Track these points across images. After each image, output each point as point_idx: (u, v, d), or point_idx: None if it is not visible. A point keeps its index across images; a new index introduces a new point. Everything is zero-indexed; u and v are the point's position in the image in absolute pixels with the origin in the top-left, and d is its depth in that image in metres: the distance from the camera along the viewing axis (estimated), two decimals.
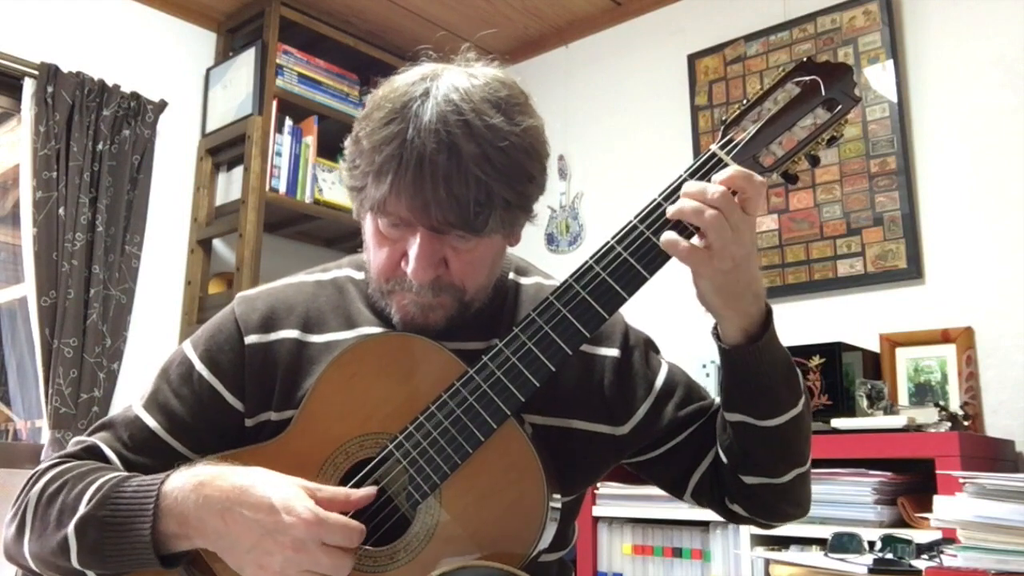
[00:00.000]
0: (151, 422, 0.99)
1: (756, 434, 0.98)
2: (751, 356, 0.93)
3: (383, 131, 0.89)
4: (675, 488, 1.11)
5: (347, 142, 0.96)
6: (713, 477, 1.07)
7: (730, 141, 0.91)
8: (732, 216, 0.85)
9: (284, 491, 0.84)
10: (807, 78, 0.91)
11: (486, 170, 0.87)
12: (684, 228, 0.88)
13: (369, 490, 0.89)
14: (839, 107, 0.90)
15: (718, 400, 1.09)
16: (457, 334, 1.00)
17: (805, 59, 0.93)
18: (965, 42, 2.37)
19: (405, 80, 0.93)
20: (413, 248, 0.91)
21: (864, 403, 2.08)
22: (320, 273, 1.10)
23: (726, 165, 0.90)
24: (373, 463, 0.92)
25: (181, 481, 0.88)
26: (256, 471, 0.88)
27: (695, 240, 0.88)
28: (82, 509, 0.89)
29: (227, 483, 0.86)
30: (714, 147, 0.92)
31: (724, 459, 1.03)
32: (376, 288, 1.00)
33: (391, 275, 0.96)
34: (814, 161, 0.93)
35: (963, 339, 2.23)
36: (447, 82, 0.90)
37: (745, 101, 0.93)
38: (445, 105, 0.88)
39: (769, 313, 0.95)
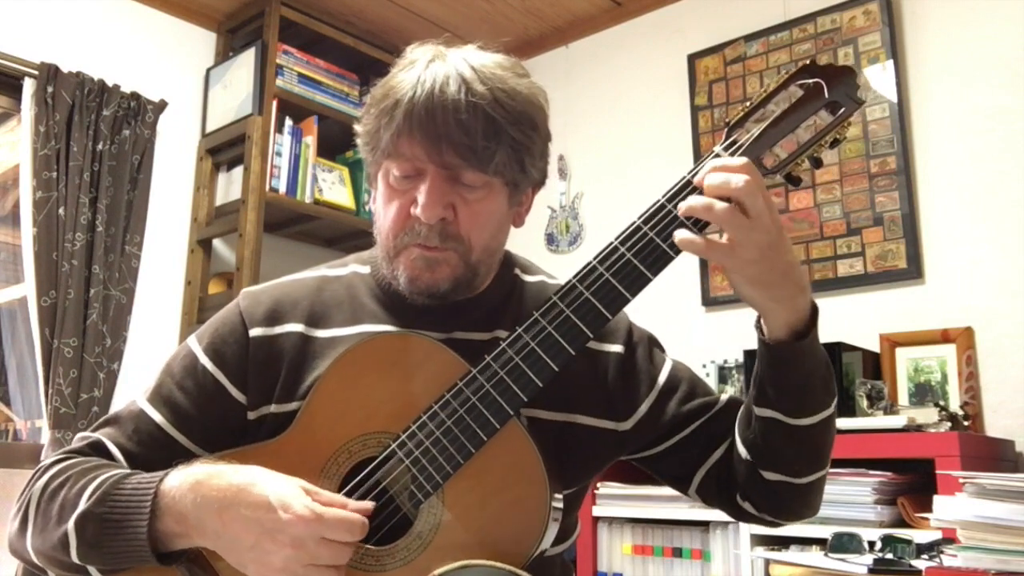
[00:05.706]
0: (156, 416, 1.00)
1: (785, 432, 0.96)
2: (794, 354, 0.92)
3: (396, 80, 0.95)
4: (679, 483, 1.11)
5: (361, 111, 1.02)
6: (721, 473, 1.06)
7: (734, 143, 0.92)
8: (751, 201, 0.84)
9: (281, 489, 0.84)
10: (810, 81, 0.91)
11: (494, 107, 0.92)
12: (695, 223, 0.88)
13: (367, 504, 0.88)
14: (842, 110, 0.90)
15: (724, 397, 1.09)
16: (462, 324, 1.01)
17: (808, 61, 0.93)
18: (965, 42, 2.38)
19: (413, 55, 0.99)
20: (423, 188, 0.94)
21: (864, 403, 2.08)
22: (325, 269, 1.11)
23: None
24: (375, 462, 0.92)
25: (179, 480, 0.88)
26: (253, 469, 0.88)
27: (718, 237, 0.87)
28: (82, 505, 0.89)
29: (224, 482, 0.86)
30: (718, 148, 0.92)
31: (746, 455, 1.01)
32: (386, 253, 1.00)
33: (400, 228, 0.97)
34: (817, 163, 0.93)
35: (963, 339, 2.24)
36: (454, 51, 0.97)
37: (748, 103, 0.93)
38: (455, 60, 0.94)
39: (815, 311, 0.93)
